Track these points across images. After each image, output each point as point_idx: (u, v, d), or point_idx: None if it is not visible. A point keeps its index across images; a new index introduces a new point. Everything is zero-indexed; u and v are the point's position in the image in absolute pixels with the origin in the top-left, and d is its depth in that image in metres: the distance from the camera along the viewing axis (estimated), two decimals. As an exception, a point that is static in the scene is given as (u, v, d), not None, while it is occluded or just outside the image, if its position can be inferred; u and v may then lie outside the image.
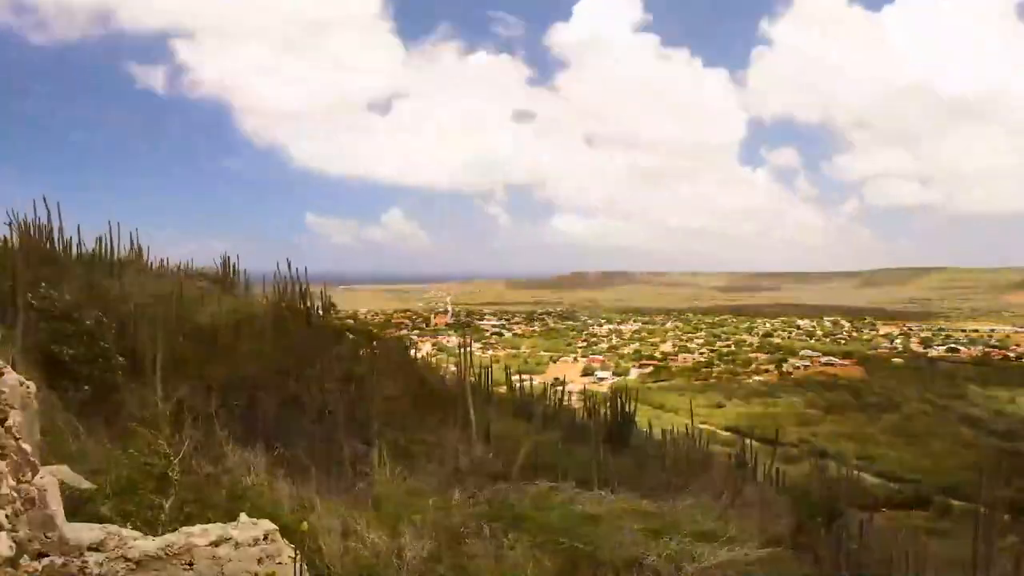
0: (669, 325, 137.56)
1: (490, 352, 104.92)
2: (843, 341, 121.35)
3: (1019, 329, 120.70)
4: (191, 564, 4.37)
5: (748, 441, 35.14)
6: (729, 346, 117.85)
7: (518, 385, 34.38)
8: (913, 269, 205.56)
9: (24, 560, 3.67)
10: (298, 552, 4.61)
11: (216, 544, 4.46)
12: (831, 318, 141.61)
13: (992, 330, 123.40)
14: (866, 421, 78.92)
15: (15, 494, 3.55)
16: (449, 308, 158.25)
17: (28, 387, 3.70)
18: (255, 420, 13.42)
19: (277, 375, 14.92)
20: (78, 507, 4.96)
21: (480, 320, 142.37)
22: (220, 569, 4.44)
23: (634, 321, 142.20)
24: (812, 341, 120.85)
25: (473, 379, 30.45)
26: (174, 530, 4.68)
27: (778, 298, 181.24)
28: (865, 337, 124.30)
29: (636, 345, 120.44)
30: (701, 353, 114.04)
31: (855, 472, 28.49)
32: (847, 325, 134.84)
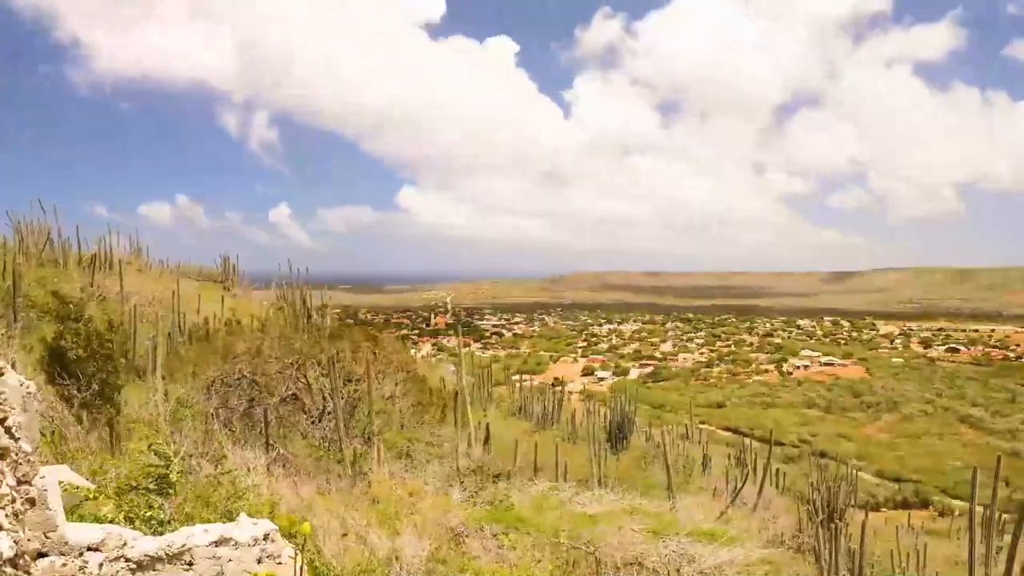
0: (669, 325, 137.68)
1: (490, 352, 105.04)
2: (843, 341, 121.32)
3: (1019, 329, 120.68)
4: (191, 564, 4.37)
5: (748, 441, 35.23)
6: (729, 346, 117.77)
7: (518, 385, 34.43)
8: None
9: (24, 560, 3.67)
10: (298, 552, 4.61)
11: (216, 544, 4.46)
12: (831, 318, 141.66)
13: (992, 330, 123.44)
14: (866, 421, 78.88)
15: (15, 494, 3.55)
16: (449, 308, 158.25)
17: (28, 387, 3.70)
18: (255, 420, 13.43)
19: (277, 375, 14.92)
20: (78, 507, 4.97)
21: (480, 320, 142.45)
22: (220, 569, 4.44)
23: (634, 321, 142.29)
24: (812, 341, 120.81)
25: (473, 379, 30.50)
26: (174, 530, 4.69)
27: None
28: (865, 337, 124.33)
29: (636, 345, 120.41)
30: (701, 353, 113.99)
31: (855, 472, 28.51)
32: (847, 325, 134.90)
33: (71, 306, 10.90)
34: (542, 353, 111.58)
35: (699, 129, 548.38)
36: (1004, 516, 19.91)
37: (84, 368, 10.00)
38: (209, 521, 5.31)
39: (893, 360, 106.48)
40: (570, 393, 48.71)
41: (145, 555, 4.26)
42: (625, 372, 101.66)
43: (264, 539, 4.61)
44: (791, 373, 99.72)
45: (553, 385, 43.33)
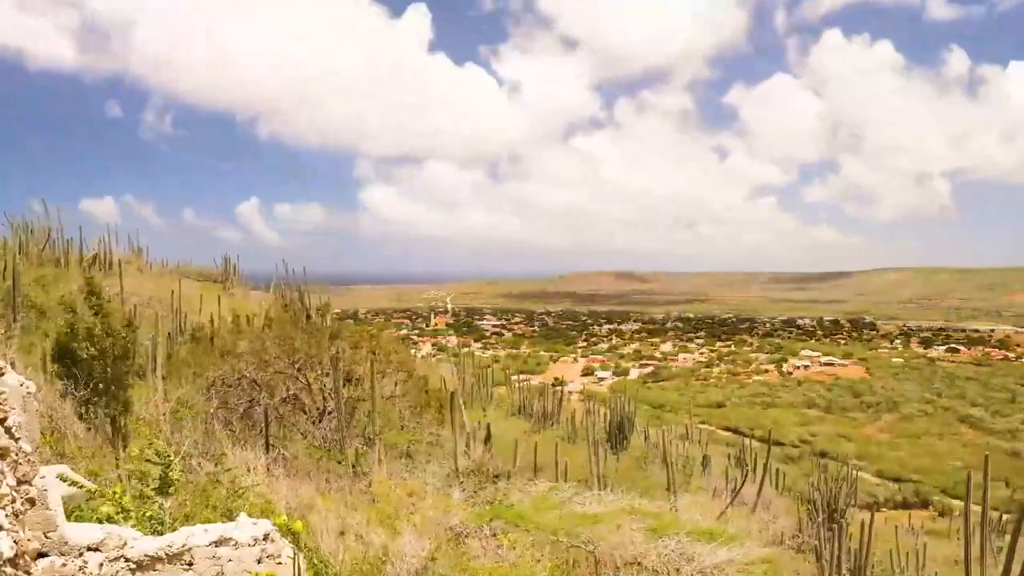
0: (669, 325, 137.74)
1: (490, 352, 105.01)
2: (843, 341, 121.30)
3: (1019, 329, 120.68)
4: (191, 564, 4.38)
5: (748, 441, 35.24)
6: (729, 346, 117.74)
7: (518, 385, 34.44)
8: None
9: (24, 560, 3.68)
10: (298, 552, 4.61)
11: (216, 544, 4.46)
12: (831, 318, 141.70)
13: (992, 330, 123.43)
14: (866, 421, 78.89)
15: (15, 494, 3.55)
16: (449, 308, 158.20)
17: (28, 387, 3.70)
18: (255, 420, 13.43)
19: (277, 375, 14.92)
20: (78, 507, 4.97)
21: (480, 320, 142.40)
22: (220, 569, 4.44)
23: (634, 321, 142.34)
24: (812, 341, 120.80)
25: (473, 379, 30.53)
26: (174, 530, 4.69)
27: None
28: (865, 337, 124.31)
29: (636, 345, 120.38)
30: (701, 353, 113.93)
31: (855, 472, 28.53)
32: (847, 325, 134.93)
33: (96, 298, 10.82)
34: (542, 353, 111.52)
35: (638, 109, 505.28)
36: (1005, 516, 19.92)
37: (91, 365, 9.96)
38: (209, 521, 5.31)
39: (893, 360, 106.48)
40: (570, 393, 48.73)
41: (145, 555, 4.26)
42: (625, 372, 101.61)
43: (264, 539, 4.62)
44: (791, 373, 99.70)
45: (553, 385, 43.32)
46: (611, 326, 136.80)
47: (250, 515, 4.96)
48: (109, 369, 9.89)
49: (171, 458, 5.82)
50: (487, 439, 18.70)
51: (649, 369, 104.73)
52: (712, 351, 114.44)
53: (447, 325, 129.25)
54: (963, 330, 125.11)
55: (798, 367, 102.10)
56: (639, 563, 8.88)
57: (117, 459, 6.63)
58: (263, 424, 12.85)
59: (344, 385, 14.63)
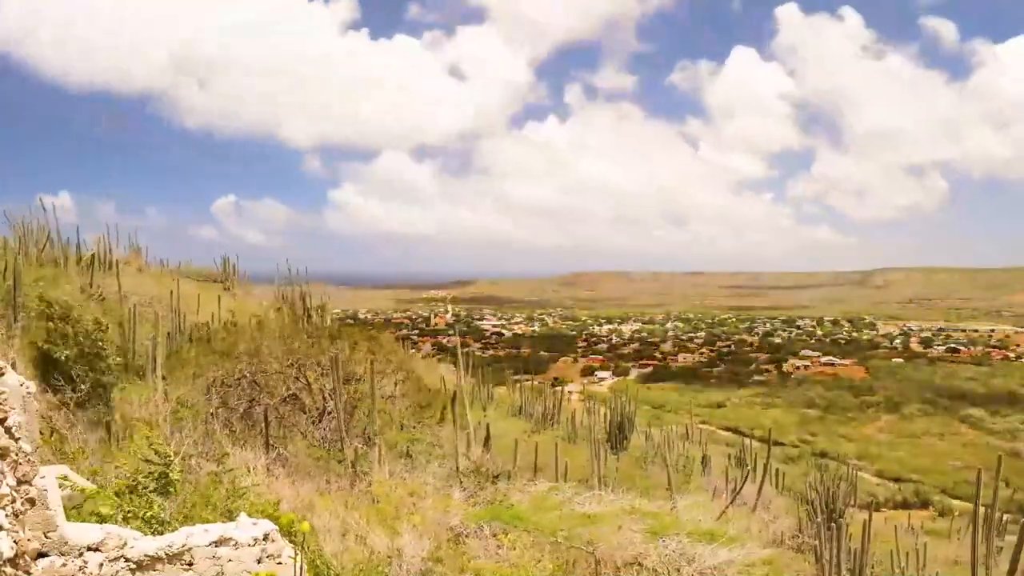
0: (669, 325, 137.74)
1: (490, 352, 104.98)
2: (843, 341, 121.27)
3: (1019, 329, 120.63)
4: (191, 564, 4.37)
5: (748, 441, 35.25)
6: (729, 346, 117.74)
7: (518, 385, 34.45)
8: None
9: (24, 560, 3.67)
10: (298, 552, 4.61)
11: (216, 544, 4.46)
12: (831, 318, 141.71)
13: (992, 330, 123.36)
14: (866, 421, 78.87)
15: (15, 494, 3.55)
16: (449, 308, 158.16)
17: (28, 387, 3.70)
18: (255, 420, 13.42)
19: (277, 375, 14.91)
20: (78, 507, 4.97)
21: (480, 320, 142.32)
22: (220, 569, 4.44)
23: (634, 321, 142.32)
24: (812, 341, 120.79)
25: (473, 379, 30.49)
26: (174, 530, 4.69)
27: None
28: (865, 337, 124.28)
29: (636, 345, 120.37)
30: (701, 353, 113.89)
31: (855, 472, 28.54)
32: (847, 325, 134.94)
33: (57, 307, 10.91)
34: (542, 353, 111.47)
35: (584, 92, 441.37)
36: (1005, 516, 19.89)
37: (74, 369, 10.01)
38: (209, 521, 5.31)
39: (893, 360, 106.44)
40: (570, 393, 48.68)
41: (145, 555, 4.26)
42: (625, 372, 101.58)
43: (264, 539, 4.61)
44: (791, 373, 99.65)
45: (553, 385, 43.30)
46: (611, 326, 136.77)
47: (250, 515, 4.96)
48: (90, 372, 9.92)
49: (171, 458, 5.82)
50: (487, 439, 18.71)
51: (649, 369, 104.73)
52: (712, 351, 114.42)
53: (447, 325, 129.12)
54: (963, 330, 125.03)
55: (798, 367, 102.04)
56: (639, 563, 8.88)
57: (116, 458, 6.63)
58: (263, 424, 12.85)
59: (344, 385, 14.63)
